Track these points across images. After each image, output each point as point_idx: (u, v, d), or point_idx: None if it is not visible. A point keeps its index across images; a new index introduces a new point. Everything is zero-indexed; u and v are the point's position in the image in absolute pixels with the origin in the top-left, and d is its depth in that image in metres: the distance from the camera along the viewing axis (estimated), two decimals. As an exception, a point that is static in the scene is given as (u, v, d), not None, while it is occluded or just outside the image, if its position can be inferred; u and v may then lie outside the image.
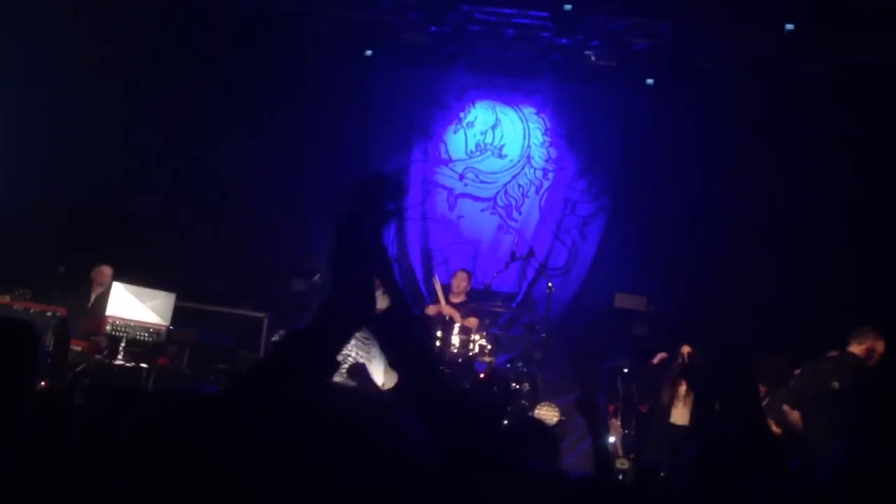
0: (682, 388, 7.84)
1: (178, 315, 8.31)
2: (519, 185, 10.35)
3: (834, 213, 9.15)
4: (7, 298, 7.40)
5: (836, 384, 6.31)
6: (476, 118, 10.47)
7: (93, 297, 8.38)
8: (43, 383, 7.09)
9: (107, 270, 8.39)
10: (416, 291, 10.18)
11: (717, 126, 9.71)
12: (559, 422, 8.12)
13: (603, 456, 3.52)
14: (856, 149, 9.05)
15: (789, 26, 8.65)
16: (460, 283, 8.99)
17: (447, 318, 8.60)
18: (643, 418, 8.36)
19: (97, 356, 7.68)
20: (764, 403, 6.42)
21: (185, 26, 9.73)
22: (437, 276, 9.33)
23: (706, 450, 2.58)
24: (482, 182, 10.40)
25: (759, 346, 8.68)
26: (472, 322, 8.63)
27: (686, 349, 7.96)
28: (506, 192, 10.37)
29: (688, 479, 2.53)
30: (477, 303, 9.00)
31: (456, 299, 8.97)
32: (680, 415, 7.81)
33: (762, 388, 6.56)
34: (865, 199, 9.02)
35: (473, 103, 10.48)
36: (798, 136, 9.35)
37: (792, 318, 8.94)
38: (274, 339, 8.62)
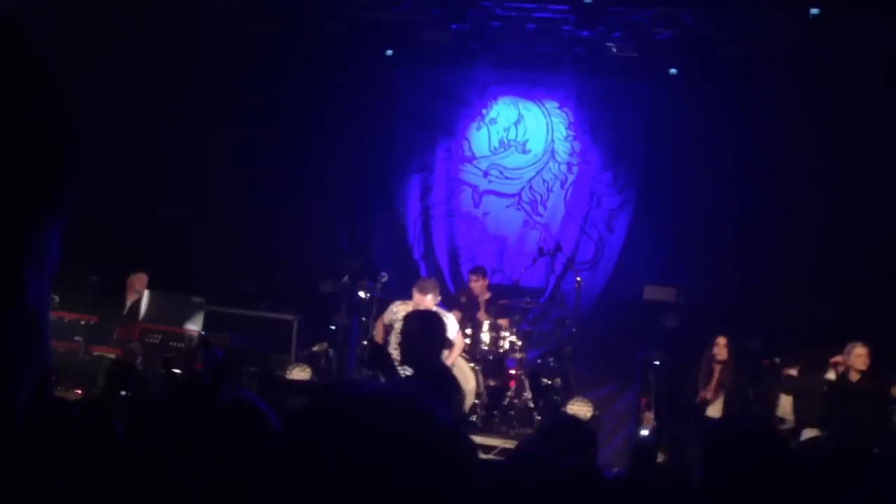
0: (721, 383, 7.78)
1: (210, 320, 8.38)
2: (544, 180, 10.31)
3: (864, 197, 9.02)
4: None
5: None
6: (499, 114, 10.44)
7: (127, 305, 8.47)
8: (79, 391, 7.18)
9: (143, 277, 8.47)
10: (444, 290, 10.18)
11: (742, 114, 9.61)
12: (593, 416, 8.08)
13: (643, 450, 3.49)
14: (886, 132, 8.90)
15: (814, 10, 8.53)
16: (474, 284, 8.99)
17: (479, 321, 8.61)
18: (677, 410, 8.32)
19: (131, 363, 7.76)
20: None
21: (209, 32, 9.79)
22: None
23: (717, 439, 2.57)
24: (507, 178, 10.37)
25: (790, 335, 8.63)
26: (504, 321, 8.62)
27: (722, 340, 7.88)
28: (531, 187, 10.33)
29: (702, 469, 2.52)
30: (504, 299, 8.98)
31: (480, 298, 8.99)
32: (715, 409, 7.76)
33: None
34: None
35: (496, 99, 10.45)
36: (825, 122, 9.21)
37: (825, 306, 8.83)
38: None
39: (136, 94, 9.72)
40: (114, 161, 9.79)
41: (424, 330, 4.37)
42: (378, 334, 7.27)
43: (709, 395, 7.78)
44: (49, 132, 1.26)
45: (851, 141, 9.10)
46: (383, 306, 8.51)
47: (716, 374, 7.84)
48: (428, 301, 6.63)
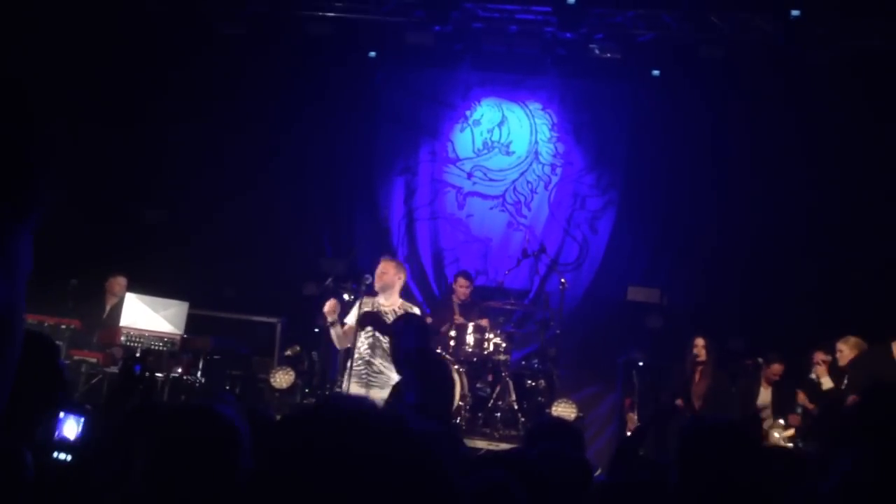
0: (701, 384, 7.78)
1: (192, 323, 8.30)
2: (527, 182, 10.32)
3: (846, 197, 9.09)
4: None
5: None
6: (482, 116, 10.44)
7: (107, 308, 8.38)
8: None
9: (122, 281, 8.40)
10: (429, 292, 10.16)
11: (723, 115, 9.68)
12: (577, 418, 8.09)
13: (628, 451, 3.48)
14: (866, 133, 8.99)
15: (795, 12, 8.59)
16: (459, 288, 8.94)
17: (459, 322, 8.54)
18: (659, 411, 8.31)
19: (113, 367, 7.68)
20: None
21: (191, 31, 9.72)
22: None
23: (689, 438, 2.59)
24: (490, 180, 10.37)
25: (773, 335, 8.68)
26: (485, 321, 8.58)
27: (700, 341, 7.89)
28: (514, 188, 10.33)
29: (676, 468, 2.53)
30: (486, 301, 8.96)
31: (459, 301, 8.96)
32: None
33: None
34: (877, 182, 8.96)
35: (479, 101, 10.45)
36: (805, 123, 9.30)
37: (808, 305, 8.89)
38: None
39: (114, 96, 9.63)
40: (92, 164, 9.70)
41: (415, 334, 4.38)
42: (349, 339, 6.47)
43: (694, 401, 7.75)
44: (15, 138, 1.23)
45: (831, 142, 9.17)
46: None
47: (697, 377, 7.83)
48: (394, 268, 6.29)
